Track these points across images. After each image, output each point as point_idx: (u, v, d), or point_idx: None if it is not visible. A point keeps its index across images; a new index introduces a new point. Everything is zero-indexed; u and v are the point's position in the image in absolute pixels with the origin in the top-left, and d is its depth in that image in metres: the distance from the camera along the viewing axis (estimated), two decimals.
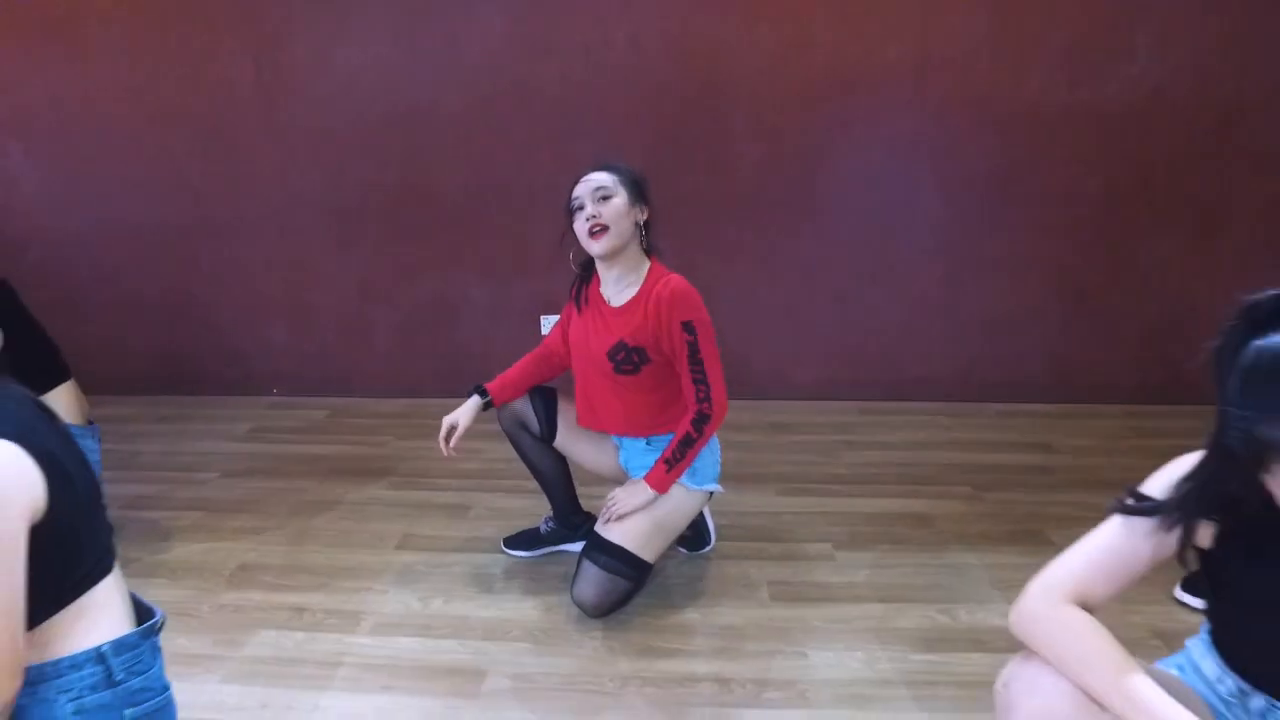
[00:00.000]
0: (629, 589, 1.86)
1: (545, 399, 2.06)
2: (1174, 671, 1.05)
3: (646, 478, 1.85)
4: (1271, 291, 0.79)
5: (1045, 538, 2.22)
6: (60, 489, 0.98)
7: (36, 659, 1.01)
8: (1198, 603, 1.85)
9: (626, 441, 2.00)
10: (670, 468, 1.83)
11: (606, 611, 1.86)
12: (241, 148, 3.29)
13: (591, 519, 2.03)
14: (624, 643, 1.80)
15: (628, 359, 1.83)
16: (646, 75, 3.08)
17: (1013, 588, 1.69)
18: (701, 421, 1.81)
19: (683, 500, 1.90)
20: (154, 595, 1.36)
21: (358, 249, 3.40)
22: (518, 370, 2.06)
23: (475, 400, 2.02)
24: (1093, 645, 0.90)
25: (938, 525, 2.31)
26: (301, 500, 2.54)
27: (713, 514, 2.23)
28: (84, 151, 3.32)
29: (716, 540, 2.20)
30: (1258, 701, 0.94)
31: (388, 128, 3.25)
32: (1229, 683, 0.97)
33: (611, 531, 1.85)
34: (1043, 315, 3.22)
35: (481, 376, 2.09)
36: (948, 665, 1.70)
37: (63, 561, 1.02)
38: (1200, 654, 1.03)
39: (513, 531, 2.23)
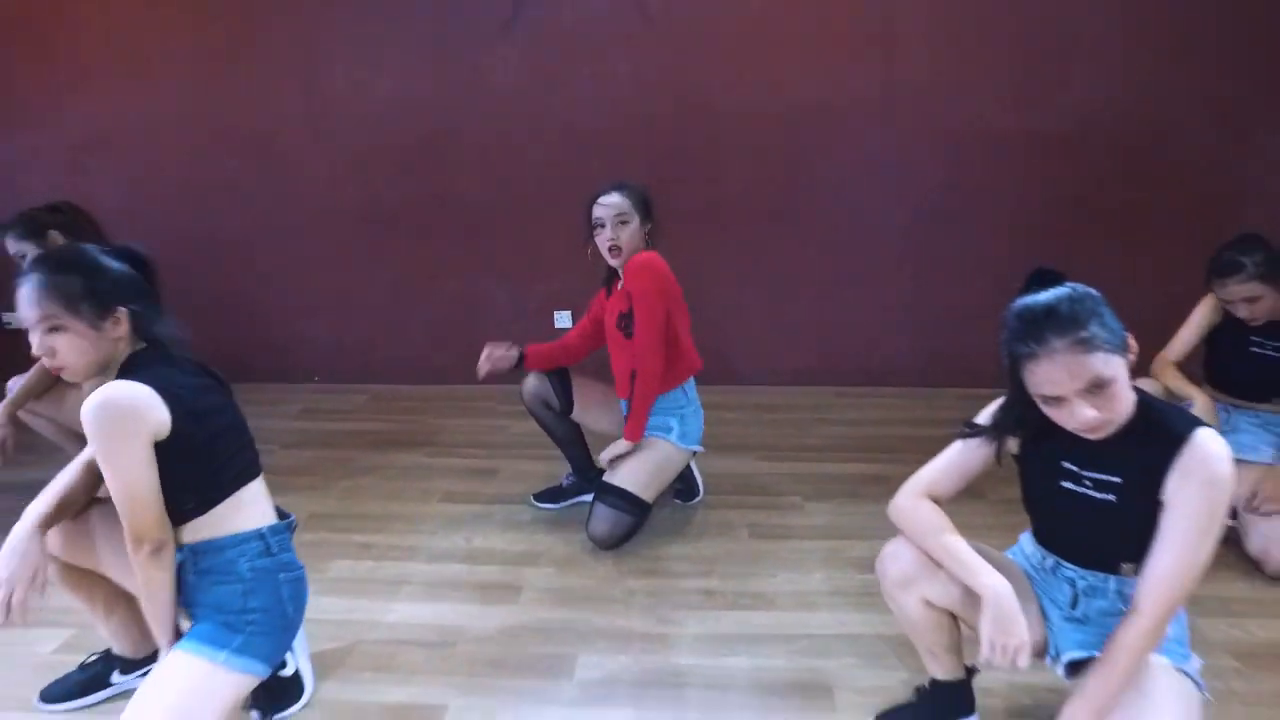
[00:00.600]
0: (632, 524, 2.31)
1: (562, 380, 2.50)
2: (1007, 554, 1.51)
3: (624, 433, 2.32)
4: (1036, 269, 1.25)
5: (981, 493, 2.63)
6: (184, 420, 1.40)
7: (217, 533, 1.48)
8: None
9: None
10: (634, 420, 2.29)
11: (615, 544, 2.31)
12: (290, 164, 3.75)
13: (603, 472, 2.48)
14: (631, 567, 2.25)
15: (629, 325, 2.27)
16: (646, 103, 3.53)
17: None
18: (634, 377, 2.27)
19: (672, 454, 2.36)
20: None
21: (392, 253, 3.85)
22: (548, 349, 2.51)
23: (516, 351, 2.47)
24: (932, 523, 1.36)
25: (892, 484, 2.69)
26: (354, 466, 2.99)
27: (701, 473, 2.68)
28: (151, 167, 3.77)
29: (705, 493, 2.65)
30: (1050, 561, 1.39)
31: (419, 147, 3.70)
32: (1038, 554, 1.43)
33: (617, 478, 2.30)
34: (995, 312, 3.65)
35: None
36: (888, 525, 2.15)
37: (210, 465, 1.47)
38: (1026, 539, 1.49)
39: (539, 488, 2.68)
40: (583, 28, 3.51)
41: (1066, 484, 1.31)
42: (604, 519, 2.28)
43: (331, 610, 2.07)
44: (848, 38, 3.42)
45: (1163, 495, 1.19)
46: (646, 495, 2.30)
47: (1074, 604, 1.36)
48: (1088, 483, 1.28)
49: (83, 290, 1.42)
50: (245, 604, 1.47)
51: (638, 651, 1.90)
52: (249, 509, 1.54)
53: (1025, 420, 1.31)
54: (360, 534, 2.47)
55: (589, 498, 2.56)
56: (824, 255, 3.70)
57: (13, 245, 2.41)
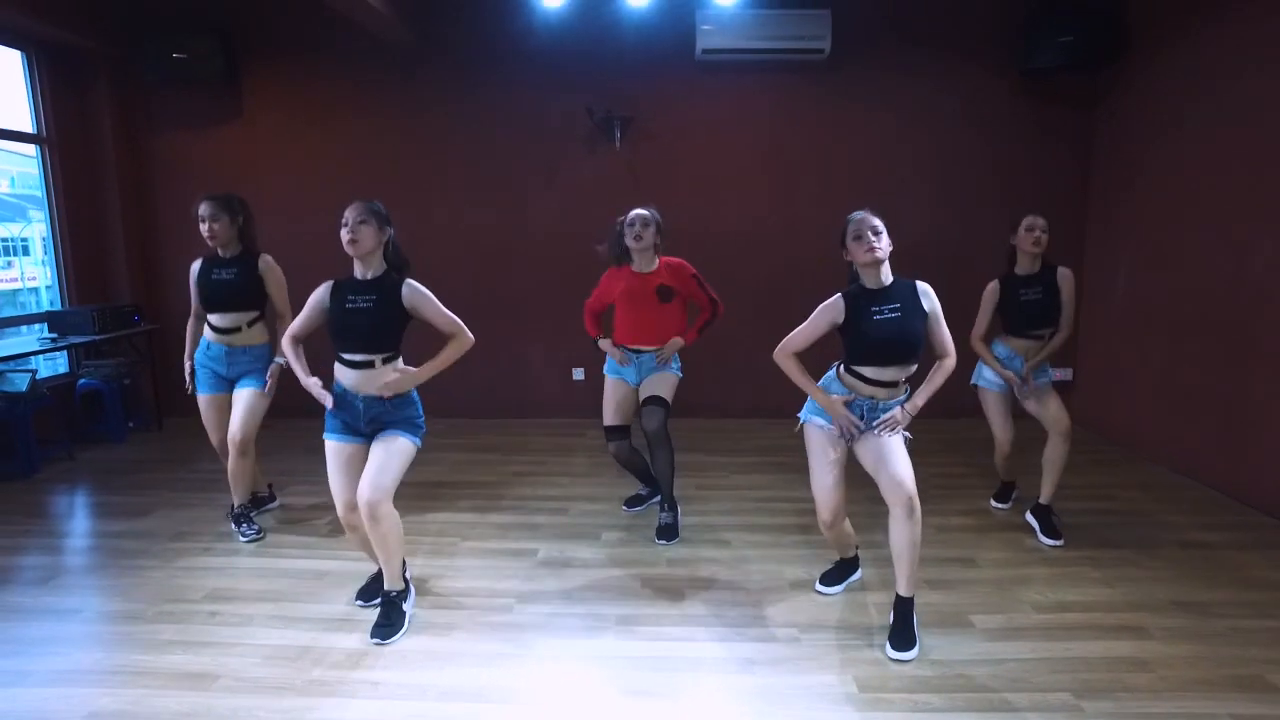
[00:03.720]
0: (666, 416, 3.52)
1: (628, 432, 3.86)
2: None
3: (685, 337, 3.58)
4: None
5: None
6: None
7: None
8: (1003, 507, 3.93)
9: (645, 359, 3.59)
10: (697, 332, 3.60)
11: (661, 430, 3.50)
12: None
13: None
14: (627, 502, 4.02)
15: (667, 293, 3.51)
16: None
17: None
18: (716, 314, 3.62)
19: (673, 379, 3.64)
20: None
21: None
22: (596, 323, 3.75)
23: (607, 341, 3.64)
24: (794, 372, 2.80)
25: (782, 470, 4.57)
26: (456, 460, 4.75)
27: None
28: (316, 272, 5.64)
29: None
30: (849, 395, 2.86)
31: (486, 256, 5.60)
32: (842, 391, 2.87)
33: (652, 391, 3.54)
34: None
35: (539, 405, 4.83)
36: (780, 484, 3.93)
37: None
38: (828, 381, 2.94)
39: (575, 471, 4.43)
40: (595, 183, 5.49)
41: (876, 317, 2.60)
42: (654, 415, 3.51)
43: (466, 517, 3.82)
44: (765, 186, 5.42)
45: (925, 309, 2.62)
46: (670, 398, 3.59)
47: (861, 418, 2.71)
48: (885, 310, 2.59)
49: (380, 213, 2.73)
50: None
51: (627, 529, 3.65)
52: None
53: (853, 285, 2.69)
54: (472, 489, 4.23)
55: (656, 498, 3.90)
56: (745, 324, 5.58)
57: (211, 207, 3.49)
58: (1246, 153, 3.97)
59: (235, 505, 3.71)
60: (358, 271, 2.80)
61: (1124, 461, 4.71)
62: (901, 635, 2.66)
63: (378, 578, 3.00)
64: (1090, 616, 2.84)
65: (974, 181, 5.43)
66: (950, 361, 2.72)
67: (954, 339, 2.74)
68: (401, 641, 2.72)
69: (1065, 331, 3.57)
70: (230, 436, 3.56)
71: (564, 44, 5.38)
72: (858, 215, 2.69)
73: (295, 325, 2.87)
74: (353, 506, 2.77)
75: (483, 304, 5.68)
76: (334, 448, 2.82)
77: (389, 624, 2.76)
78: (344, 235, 2.71)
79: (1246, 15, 3.98)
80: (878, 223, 2.67)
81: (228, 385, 3.64)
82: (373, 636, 2.72)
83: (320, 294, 2.81)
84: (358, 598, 3.01)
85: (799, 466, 4.55)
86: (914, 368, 2.72)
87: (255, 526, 3.67)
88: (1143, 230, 4.85)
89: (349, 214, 2.72)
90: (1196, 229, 4.33)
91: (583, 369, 5.73)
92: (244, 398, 3.59)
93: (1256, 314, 3.87)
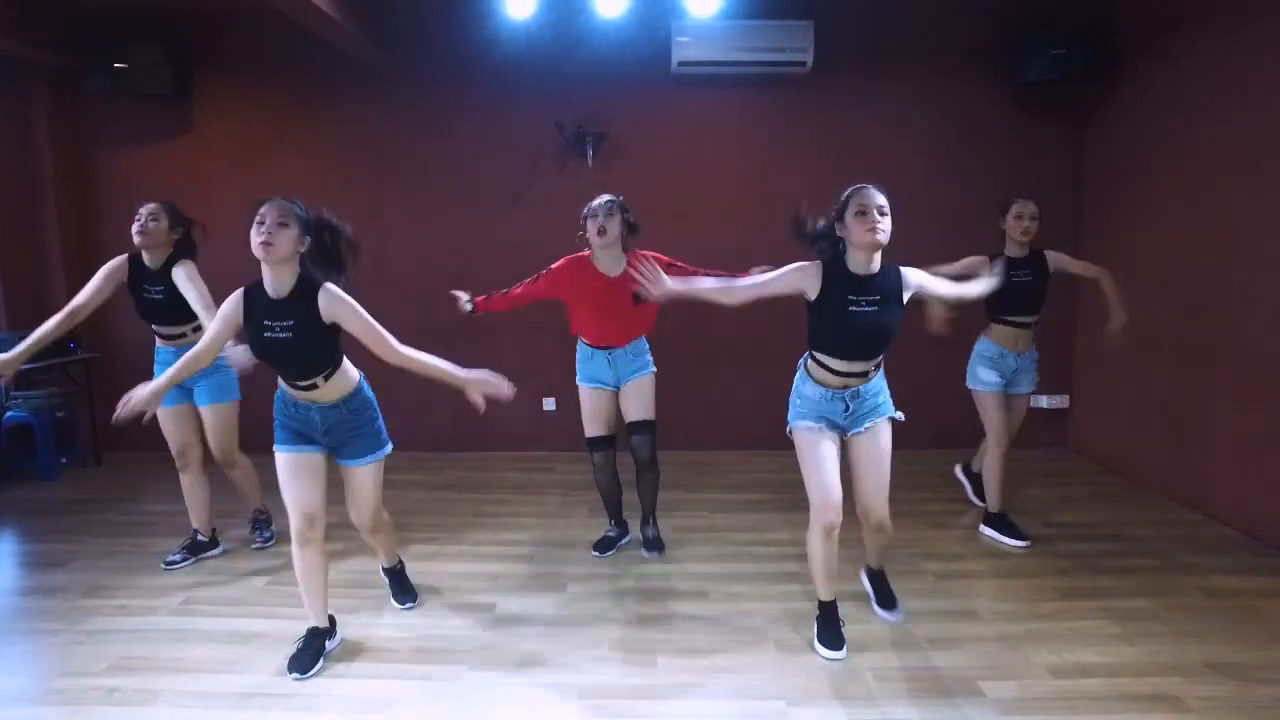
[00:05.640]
0: (654, 439, 3.42)
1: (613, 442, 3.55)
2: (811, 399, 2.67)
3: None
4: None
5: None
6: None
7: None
8: (993, 534, 3.68)
9: (618, 354, 3.40)
10: (691, 282, 2.96)
11: (652, 456, 3.42)
12: (364, 294, 5.26)
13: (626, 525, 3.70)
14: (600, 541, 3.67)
15: (640, 297, 3.03)
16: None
17: (797, 509, 3.63)
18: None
19: (653, 380, 3.46)
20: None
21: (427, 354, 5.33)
22: (509, 303, 3.64)
23: (469, 304, 3.60)
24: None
25: (760, 504, 4.23)
26: (417, 497, 4.38)
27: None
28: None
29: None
30: (829, 393, 2.51)
31: (451, 278, 5.22)
32: (819, 393, 2.56)
33: (636, 414, 3.37)
34: None
35: (507, 438, 4.18)
36: (763, 525, 3.59)
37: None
38: (810, 390, 2.61)
39: (532, 505, 4.08)
40: (566, 202, 5.16)
41: (852, 308, 2.40)
42: (645, 444, 3.37)
43: (418, 565, 3.45)
44: (746, 204, 5.13)
45: (904, 298, 2.45)
46: (653, 416, 3.43)
47: (846, 410, 2.54)
48: (863, 302, 2.40)
49: (303, 217, 2.45)
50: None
51: (593, 578, 3.30)
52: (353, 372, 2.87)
53: (827, 248, 2.51)
54: (428, 531, 3.86)
55: (625, 540, 3.69)
56: (727, 350, 5.27)
57: (152, 207, 3.30)
58: (1245, 164, 3.73)
59: (254, 510, 3.82)
60: (269, 284, 2.47)
61: (1128, 494, 4.42)
62: (885, 596, 2.95)
63: (309, 639, 2.68)
64: (1115, 683, 2.51)
65: (964, 197, 5.17)
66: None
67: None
68: None
69: (1101, 272, 3.56)
70: (217, 457, 3.59)
71: (533, 56, 5.09)
72: (863, 188, 2.44)
73: (201, 343, 2.63)
74: (311, 520, 2.57)
75: (445, 329, 5.33)
76: (287, 458, 2.60)
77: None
78: (256, 237, 2.37)
79: (1234, 27, 3.77)
80: (884, 201, 2.43)
81: (185, 393, 3.50)
82: (291, 670, 2.58)
83: (232, 309, 2.54)
84: (290, 669, 2.62)
85: (783, 505, 4.31)
86: (882, 357, 2.59)
87: (268, 533, 3.81)
88: (1140, 248, 4.60)
89: (267, 213, 2.40)
90: (1199, 246, 4.07)
91: (554, 399, 5.39)
92: (210, 415, 3.53)
93: (1270, 335, 3.61)
